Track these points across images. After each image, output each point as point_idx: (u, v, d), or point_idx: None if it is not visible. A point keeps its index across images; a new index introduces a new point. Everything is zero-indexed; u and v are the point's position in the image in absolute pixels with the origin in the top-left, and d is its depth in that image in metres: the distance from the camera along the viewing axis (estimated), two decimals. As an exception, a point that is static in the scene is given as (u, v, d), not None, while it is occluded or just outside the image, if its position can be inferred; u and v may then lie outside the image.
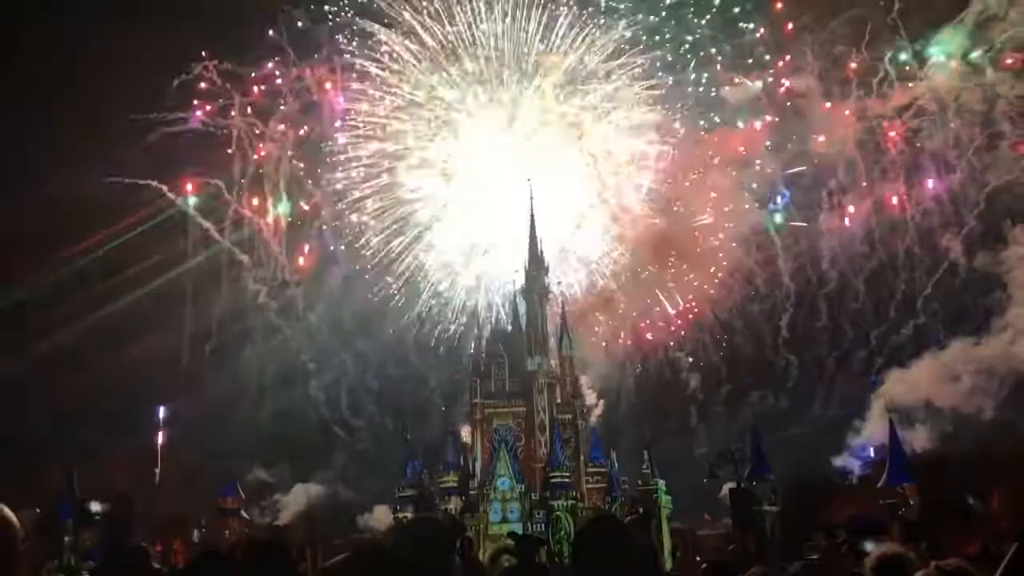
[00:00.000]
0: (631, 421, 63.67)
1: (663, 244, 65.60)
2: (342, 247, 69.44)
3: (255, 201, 66.80)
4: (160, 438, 61.75)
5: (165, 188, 63.72)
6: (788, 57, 65.17)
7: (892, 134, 63.12)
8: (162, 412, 62.27)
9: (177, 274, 62.75)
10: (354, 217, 69.48)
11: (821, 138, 64.56)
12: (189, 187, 65.06)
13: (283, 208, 67.41)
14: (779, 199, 67.05)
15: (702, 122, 68.04)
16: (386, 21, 67.32)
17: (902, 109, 62.79)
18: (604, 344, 68.64)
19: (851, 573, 8.00)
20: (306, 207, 68.64)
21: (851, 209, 64.83)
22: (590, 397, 64.50)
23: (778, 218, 67.13)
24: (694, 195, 66.53)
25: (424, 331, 69.50)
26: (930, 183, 62.85)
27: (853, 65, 63.44)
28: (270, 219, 66.91)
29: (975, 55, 59.83)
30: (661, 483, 57.11)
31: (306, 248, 68.61)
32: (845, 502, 47.09)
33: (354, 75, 68.04)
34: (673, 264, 67.35)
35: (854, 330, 64.06)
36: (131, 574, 4.29)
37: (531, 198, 63.71)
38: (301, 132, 67.59)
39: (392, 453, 59.92)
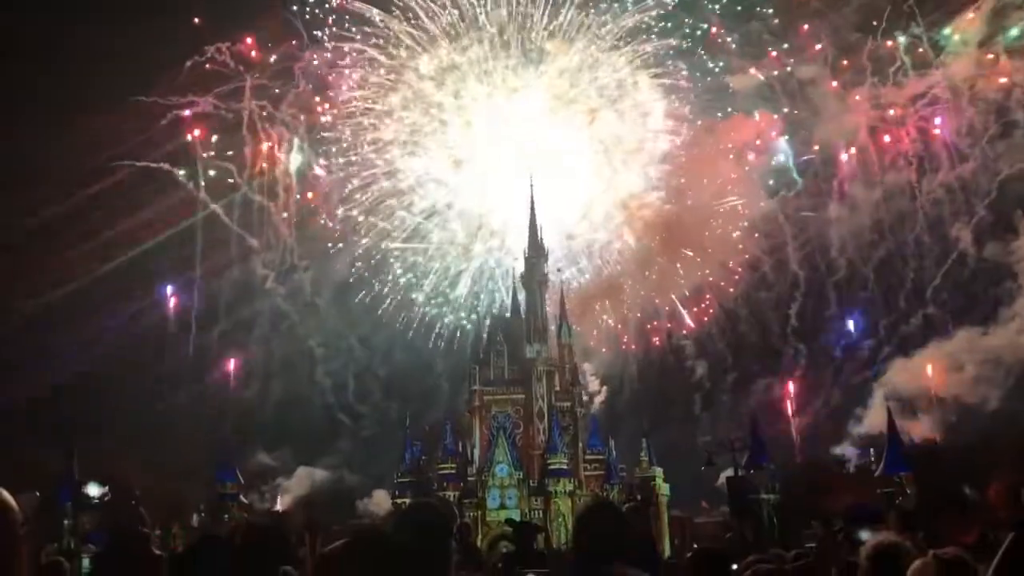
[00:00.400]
0: (634, 408, 63.58)
1: (671, 231, 65.28)
2: (339, 245, 69.29)
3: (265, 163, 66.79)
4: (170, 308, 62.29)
5: (178, 172, 63.85)
6: (800, 44, 64.86)
7: (935, 126, 62.38)
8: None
9: (187, 256, 63.14)
10: (358, 201, 69.33)
11: (824, 134, 64.42)
12: (197, 131, 64.71)
13: (295, 161, 67.05)
14: (782, 140, 66.69)
15: (719, 115, 67.68)
16: (377, 12, 67.12)
17: (917, 97, 62.57)
18: (609, 332, 68.54)
19: (847, 562, 8.02)
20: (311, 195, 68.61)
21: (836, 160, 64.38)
22: (593, 384, 64.57)
23: (782, 158, 66.92)
24: (703, 183, 66.11)
25: (429, 318, 69.60)
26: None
27: (840, 58, 63.35)
28: (280, 202, 66.90)
29: (1015, 31, 59.24)
30: (659, 471, 57.29)
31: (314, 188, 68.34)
32: (843, 491, 47.26)
33: (347, 59, 67.81)
34: (680, 252, 66.95)
35: (864, 319, 63.90)
36: (133, 560, 4.31)
37: (531, 186, 63.66)
38: (304, 117, 67.41)
39: (397, 439, 60.02)
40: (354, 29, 67.07)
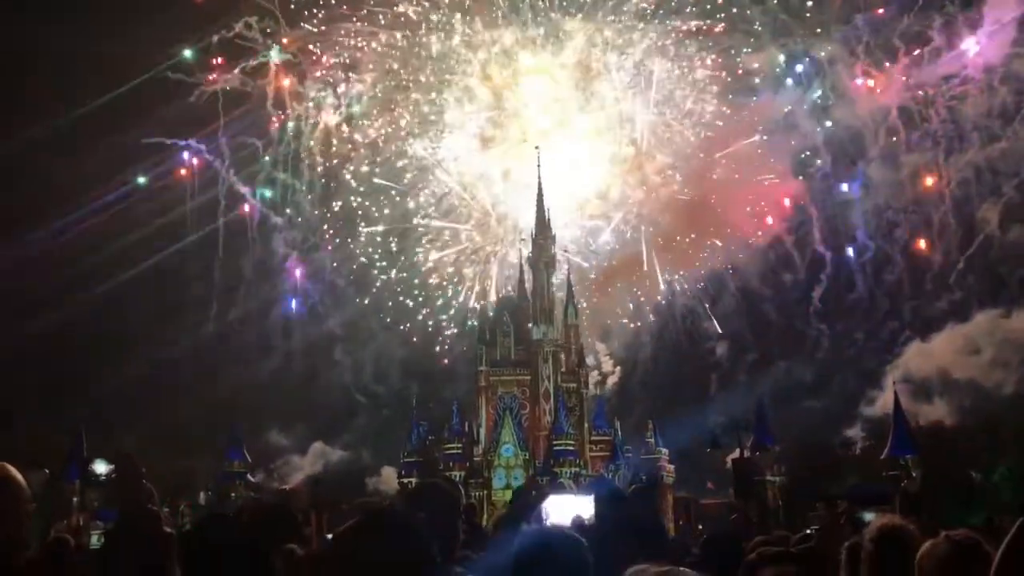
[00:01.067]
0: (649, 389, 63.32)
1: (693, 213, 64.60)
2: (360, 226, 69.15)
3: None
4: None
5: (204, 148, 63.82)
6: (831, 22, 64.17)
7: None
8: None
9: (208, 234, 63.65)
10: (374, 180, 69.28)
11: (852, 114, 63.78)
12: (216, 61, 64.35)
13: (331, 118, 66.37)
14: (800, 66, 65.93)
15: (747, 96, 66.96)
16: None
17: (949, 77, 61.83)
18: (625, 313, 68.22)
19: (851, 544, 8.02)
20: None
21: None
22: (607, 365, 64.53)
23: (814, 96, 66.30)
24: (728, 164, 65.35)
25: (444, 299, 69.81)
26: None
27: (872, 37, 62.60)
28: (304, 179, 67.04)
29: None
30: (664, 451, 57.45)
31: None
32: (848, 473, 47.38)
33: (356, 38, 67.48)
34: (702, 233, 66.15)
35: (889, 301, 63.35)
36: (143, 537, 4.35)
37: (539, 166, 63.39)
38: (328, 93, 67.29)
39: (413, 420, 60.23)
40: (359, 13, 66.83)
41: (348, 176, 68.26)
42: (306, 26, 65.43)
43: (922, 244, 62.72)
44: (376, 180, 68.51)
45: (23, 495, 3.75)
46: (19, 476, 3.82)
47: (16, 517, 3.58)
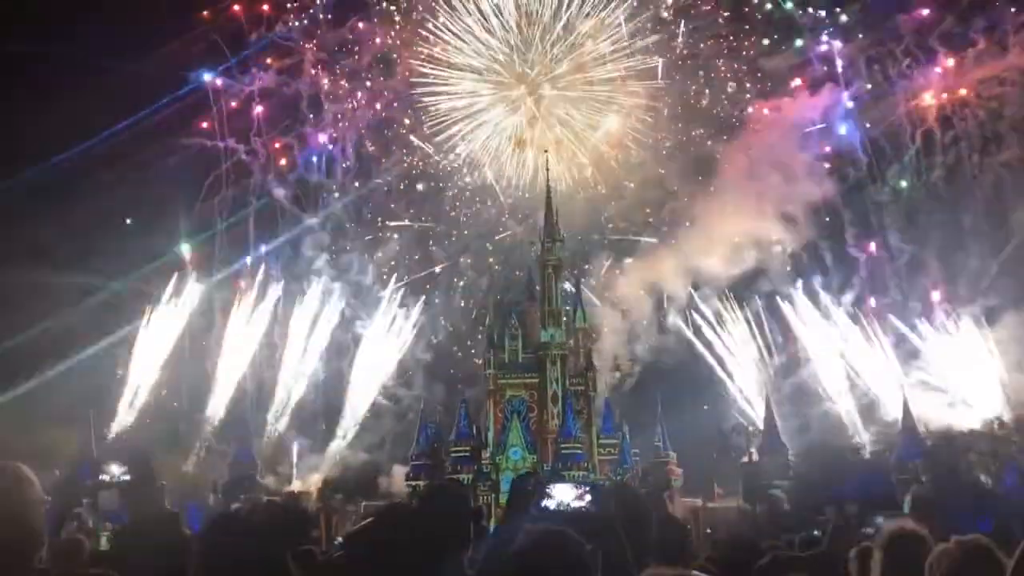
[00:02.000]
0: (662, 392, 62.94)
1: (719, 213, 63.98)
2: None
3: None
4: None
5: (243, 149, 64.08)
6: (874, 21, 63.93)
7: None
8: None
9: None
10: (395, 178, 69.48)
11: (889, 114, 63.52)
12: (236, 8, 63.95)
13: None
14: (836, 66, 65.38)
15: (787, 98, 66.61)
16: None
17: (988, 78, 61.18)
18: (646, 314, 67.92)
19: (861, 549, 8.00)
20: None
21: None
22: (626, 367, 64.36)
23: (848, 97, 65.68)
24: (757, 163, 64.75)
25: (469, 299, 69.87)
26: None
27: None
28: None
29: None
30: (673, 455, 57.34)
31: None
32: (857, 477, 47.28)
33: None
34: (730, 233, 65.16)
35: (921, 305, 62.43)
36: (161, 538, 4.38)
37: (547, 169, 63.47)
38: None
39: (435, 421, 60.21)
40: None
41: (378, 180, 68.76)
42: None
43: (954, 247, 62.06)
44: (380, 180, 68.99)
45: (36, 496, 3.79)
46: (33, 476, 3.85)
47: (31, 517, 3.61)
